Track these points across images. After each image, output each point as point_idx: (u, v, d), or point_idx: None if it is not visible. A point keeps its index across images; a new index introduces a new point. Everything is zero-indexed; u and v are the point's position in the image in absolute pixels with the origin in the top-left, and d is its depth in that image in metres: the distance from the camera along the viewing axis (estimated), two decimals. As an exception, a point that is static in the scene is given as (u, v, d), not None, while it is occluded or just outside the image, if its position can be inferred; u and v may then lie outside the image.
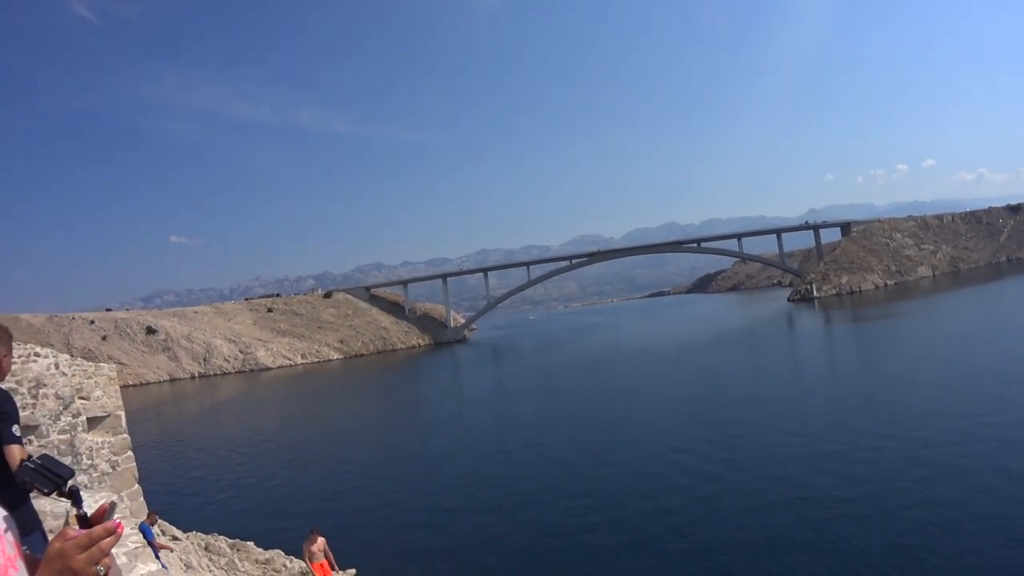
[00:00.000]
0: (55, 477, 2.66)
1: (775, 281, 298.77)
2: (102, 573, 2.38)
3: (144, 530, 19.26)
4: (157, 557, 19.00)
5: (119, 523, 2.52)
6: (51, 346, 18.46)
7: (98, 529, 2.42)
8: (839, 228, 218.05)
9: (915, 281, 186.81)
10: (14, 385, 15.22)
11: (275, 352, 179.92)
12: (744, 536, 29.61)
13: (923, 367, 64.26)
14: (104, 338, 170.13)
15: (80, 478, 16.25)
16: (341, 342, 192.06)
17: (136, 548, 9.12)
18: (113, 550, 7.76)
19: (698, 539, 30.00)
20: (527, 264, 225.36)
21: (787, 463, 39.47)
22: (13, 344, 14.11)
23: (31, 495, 5.75)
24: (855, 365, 73.79)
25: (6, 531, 2.63)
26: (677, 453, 45.06)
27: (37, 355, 16.31)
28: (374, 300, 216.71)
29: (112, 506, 2.69)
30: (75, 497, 2.66)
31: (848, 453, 39.79)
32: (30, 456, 2.73)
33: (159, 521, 20.46)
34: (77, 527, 2.52)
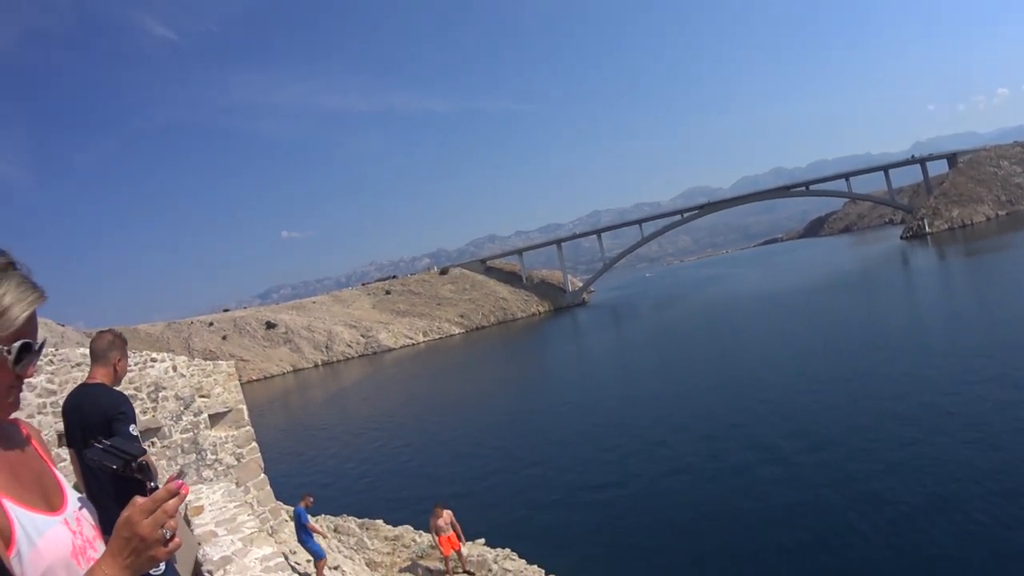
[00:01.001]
0: (123, 454, 2.75)
1: (887, 219, 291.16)
2: (168, 535, 2.43)
3: (299, 513, 20.11)
4: (311, 540, 19.94)
5: (182, 483, 2.56)
6: (171, 351, 19.28)
7: (161, 492, 2.47)
8: (946, 160, 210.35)
9: None
10: (133, 391, 15.94)
11: (396, 333, 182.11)
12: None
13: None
14: (224, 338, 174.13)
15: (205, 473, 16.94)
16: (461, 316, 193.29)
17: (251, 533, 9.54)
18: (229, 535, 8.31)
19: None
20: (639, 222, 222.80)
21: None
22: (130, 351, 14.88)
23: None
24: (975, 305, 71.47)
25: (81, 509, 2.76)
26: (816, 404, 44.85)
27: (154, 360, 17.00)
28: (490, 272, 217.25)
29: (180, 473, 2.83)
30: (145, 472, 2.73)
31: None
32: (99, 439, 2.88)
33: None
34: None
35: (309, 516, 20.33)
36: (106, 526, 2.78)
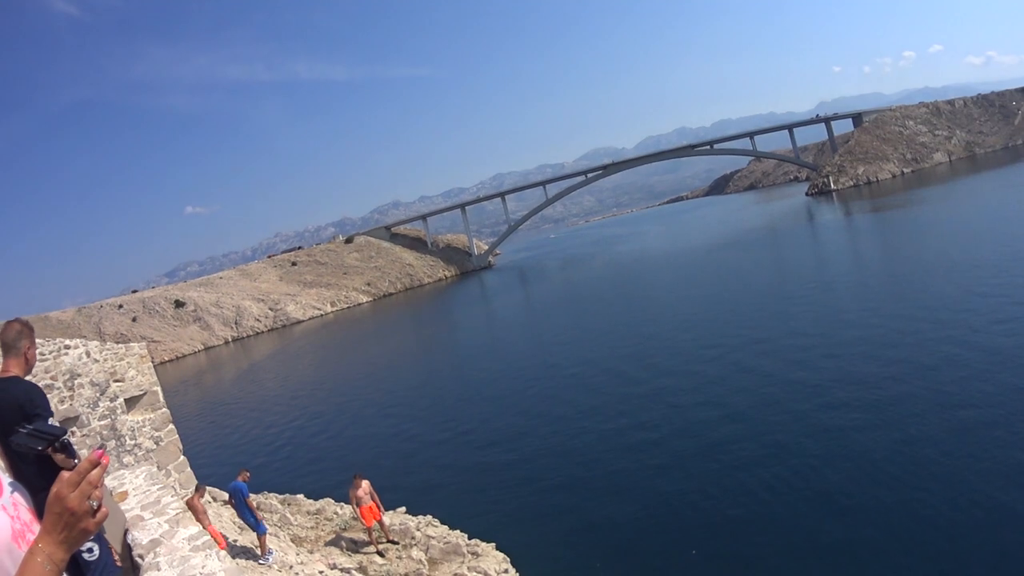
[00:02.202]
0: (46, 435, 2.89)
1: (792, 177, 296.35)
2: (95, 506, 2.52)
3: (240, 488, 20.02)
4: (254, 516, 19.97)
5: (102, 452, 2.67)
6: (83, 337, 18.93)
7: (83, 463, 2.56)
8: (851, 119, 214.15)
9: (932, 168, 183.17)
10: (50, 381, 15.75)
11: (304, 304, 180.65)
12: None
13: (950, 253, 63.12)
14: (134, 319, 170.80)
15: (126, 459, 16.83)
16: (368, 284, 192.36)
17: (176, 514, 9.59)
18: (155, 517, 8.38)
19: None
20: (543, 183, 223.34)
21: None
22: (43, 339, 14.65)
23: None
24: (879, 256, 73.53)
25: (13, 493, 2.88)
26: (716, 355, 45.78)
27: (67, 347, 16.77)
28: (396, 238, 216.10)
29: (100, 445, 2.98)
30: (68, 450, 2.89)
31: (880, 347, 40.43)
32: (22, 425, 3.01)
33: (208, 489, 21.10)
34: None
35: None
36: (39, 508, 2.85)
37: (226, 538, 20.06)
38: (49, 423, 6.56)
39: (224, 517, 22.87)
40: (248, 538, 21.14)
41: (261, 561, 19.50)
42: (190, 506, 19.37)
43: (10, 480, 2.94)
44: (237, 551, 19.46)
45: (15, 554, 2.62)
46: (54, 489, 2.50)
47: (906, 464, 25.15)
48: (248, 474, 21.02)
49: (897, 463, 25.33)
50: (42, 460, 6.28)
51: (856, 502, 23.40)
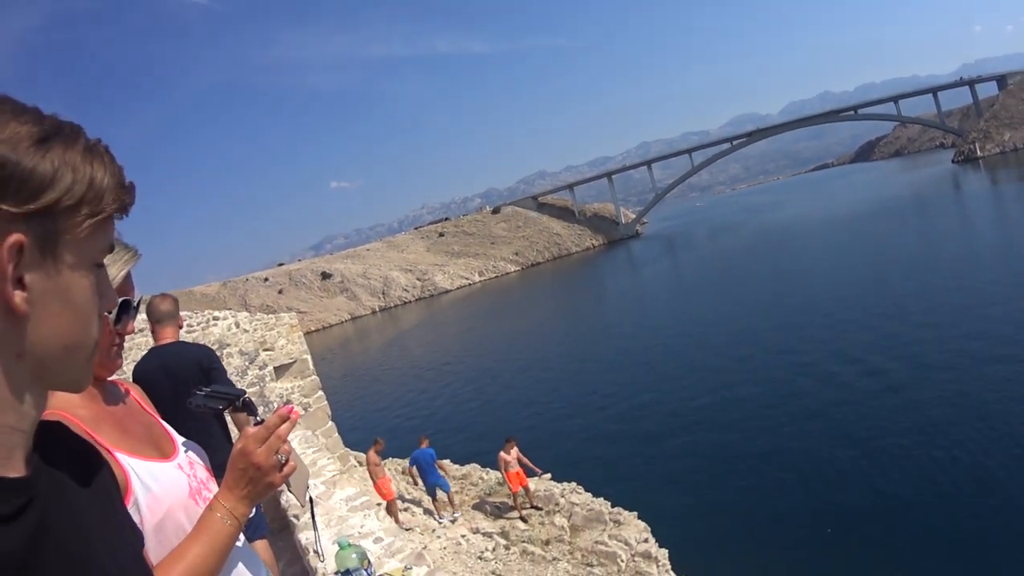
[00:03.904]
0: (227, 395, 2.87)
1: (937, 143, 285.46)
2: (283, 460, 2.50)
3: (429, 454, 21.51)
4: (440, 476, 21.68)
5: (291, 407, 2.62)
6: (230, 309, 19.43)
7: (273, 418, 2.53)
8: (995, 82, 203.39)
9: None
10: (199, 351, 16.27)
11: (452, 274, 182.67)
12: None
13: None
14: (280, 292, 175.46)
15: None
16: (516, 254, 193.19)
17: (333, 476, 9.80)
18: (313, 479, 8.51)
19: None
20: (688, 151, 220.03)
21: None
22: (189, 312, 15.09)
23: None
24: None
25: (189, 452, 2.92)
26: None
27: (216, 318, 17.24)
28: (543, 208, 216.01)
29: (287, 401, 2.95)
30: (249, 407, 2.84)
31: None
32: (199, 387, 3.01)
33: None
34: None
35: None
36: (217, 469, 2.87)
37: (397, 494, 21.01)
38: (226, 384, 6.71)
39: (369, 481, 23.36)
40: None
41: (449, 520, 21.09)
42: (368, 459, 20.64)
43: (184, 440, 2.98)
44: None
45: (191, 511, 2.63)
46: (239, 444, 2.47)
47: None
48: (428, 440, 22.18)
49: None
50: (209, 421, 6.43)
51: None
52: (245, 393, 2.89)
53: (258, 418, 2.72)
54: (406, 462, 24.35)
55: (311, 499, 7.58)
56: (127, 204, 1.38)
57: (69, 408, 2.41)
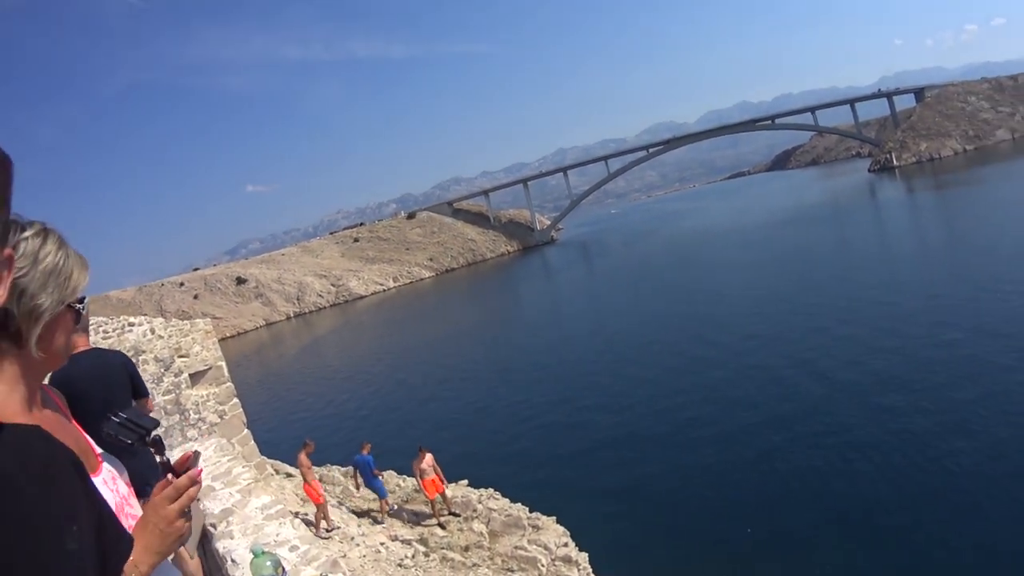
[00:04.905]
0: (139, 428, 2.89)
1: (854, 152, 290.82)
2: (189, 516, 2.64)
3: (368, 461, 22.11)
4: (378, 481, 22.45)
5: (200, 470, 2.78)
6: (145, 315, 19.16)
7: (183, 480, 2.66)
8: (913, 94, 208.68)
9: (994, 145, 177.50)
10: (114, 357, 16.02)
11: (367, 280, 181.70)
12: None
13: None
14: (196, 297, 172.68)
15: (189, 433, 17.06)
16: (430, 260, 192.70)
17: (248, 484, 9.73)
18: (226, 487, 8.52)
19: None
20: (605, 158, 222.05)
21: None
22: (105, 318, 14.83)
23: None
24: (946, 238, 71.90)
25: (108, 465, 2.89)
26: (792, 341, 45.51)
27: (131, 324, 16.97)
28: (458, 214, 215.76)
29: (195, 455, 2.96)
30: (158, 445, 2.90)
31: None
32: (115, 412, 3.00)
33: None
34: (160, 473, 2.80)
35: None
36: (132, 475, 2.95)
37: (325, 496, 21.09)
38: (141, 413, 6.62)
39: (286, 489, 23.15)
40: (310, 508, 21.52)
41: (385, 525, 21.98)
42: (300, 462, 20.80)
43: (102, 451, 2.93)
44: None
45: None
46: (152, 500, 2.61)
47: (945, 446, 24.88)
48: (370, 446, 22.77)
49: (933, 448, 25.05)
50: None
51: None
52: (158, 425, 2.92)
53: (165, 457, 2.76)
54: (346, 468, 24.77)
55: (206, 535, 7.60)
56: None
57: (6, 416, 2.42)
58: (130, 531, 2.47)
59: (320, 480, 24.26)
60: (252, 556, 6.15)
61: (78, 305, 2.43)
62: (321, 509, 20.07)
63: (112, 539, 2.01)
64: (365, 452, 22.33)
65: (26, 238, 2.28)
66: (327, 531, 19.58)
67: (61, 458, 1.89)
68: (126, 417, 2.83)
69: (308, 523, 20.26)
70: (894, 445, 26.37)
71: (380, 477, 22.97)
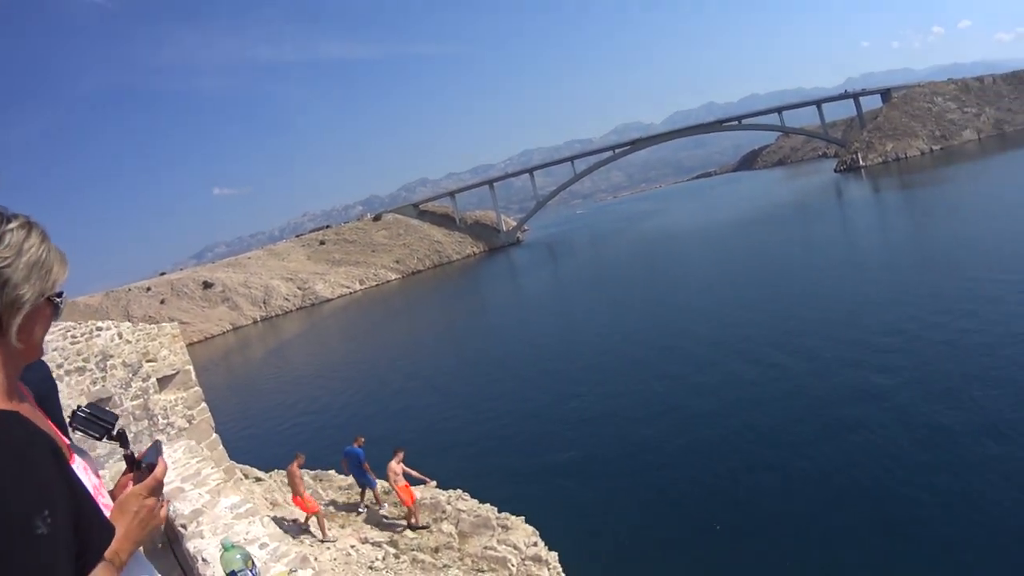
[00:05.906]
0: (103, 422, 3.00)
1: (820, 153, 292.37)
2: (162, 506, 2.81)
3: (358, 453, 22.70)
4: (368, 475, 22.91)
5: (163, 462, 2.96)
6: (112, 320, 19.09)
7: (160, 468, 2.84)
8: (879, 95, 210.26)
9: (960, 145, 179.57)
10: (82, 363, 15.98)
11: (333, 283, 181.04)
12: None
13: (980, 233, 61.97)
14: (163, 302, 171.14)
15: (159, 437, 17.06)
16: (397, 262, 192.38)
17: (217, 485, 9.81)
18: (196, 488, 8.66)
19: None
20: (571, 159, 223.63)
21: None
22: (73, 323, 14.85)
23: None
24: (911, 236, 72.61)
25: (82, 460, 2.91)
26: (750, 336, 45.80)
27: (99, 329, 16.96)
28: (424, 216, 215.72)
29: (156, 443, 3.09)
30: (123, 439, 3.02)
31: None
32: (79, 406, 3.08)
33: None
34: (125, 465, 3.00)
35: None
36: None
37: (320, 504, 22.05)
38: (103, 408, 6.67)
39: (256, 493, 23.15)
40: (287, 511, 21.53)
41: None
42: (290, 473, 21.06)
43: (73, 444, 2.95)
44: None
45: None
46: (131, 490, 2.74)
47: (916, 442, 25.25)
48: (363, 439, 23.37)
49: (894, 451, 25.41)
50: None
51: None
52: (117, 419, 3.03)
53: (129, 450, 2.83)
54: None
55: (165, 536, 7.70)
56: None
57: None
58: None
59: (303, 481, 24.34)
60: (222, 550, 6.26)
61: (57, 299, 2.55)
62: (319, 518, 20.52)
63: (93, 527, 2.08)
64: (357, 445, 22.81)
65: (11, 229, 2.38)
66: (322, 540, 19.78)
67: (40, 444, 1.95)
68: (91, 412, 2.94)
69: (306, 531, 20.38)
70: (855, 443, 26.74)
71: (369, 470, 23.25)
